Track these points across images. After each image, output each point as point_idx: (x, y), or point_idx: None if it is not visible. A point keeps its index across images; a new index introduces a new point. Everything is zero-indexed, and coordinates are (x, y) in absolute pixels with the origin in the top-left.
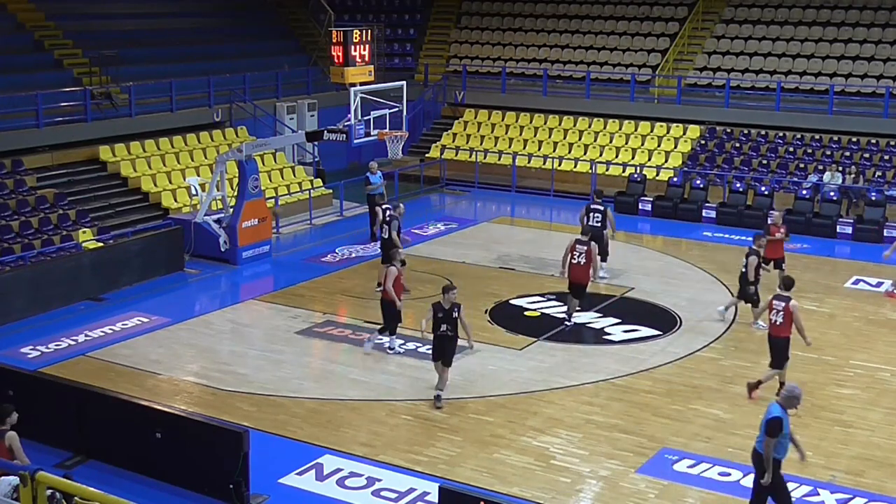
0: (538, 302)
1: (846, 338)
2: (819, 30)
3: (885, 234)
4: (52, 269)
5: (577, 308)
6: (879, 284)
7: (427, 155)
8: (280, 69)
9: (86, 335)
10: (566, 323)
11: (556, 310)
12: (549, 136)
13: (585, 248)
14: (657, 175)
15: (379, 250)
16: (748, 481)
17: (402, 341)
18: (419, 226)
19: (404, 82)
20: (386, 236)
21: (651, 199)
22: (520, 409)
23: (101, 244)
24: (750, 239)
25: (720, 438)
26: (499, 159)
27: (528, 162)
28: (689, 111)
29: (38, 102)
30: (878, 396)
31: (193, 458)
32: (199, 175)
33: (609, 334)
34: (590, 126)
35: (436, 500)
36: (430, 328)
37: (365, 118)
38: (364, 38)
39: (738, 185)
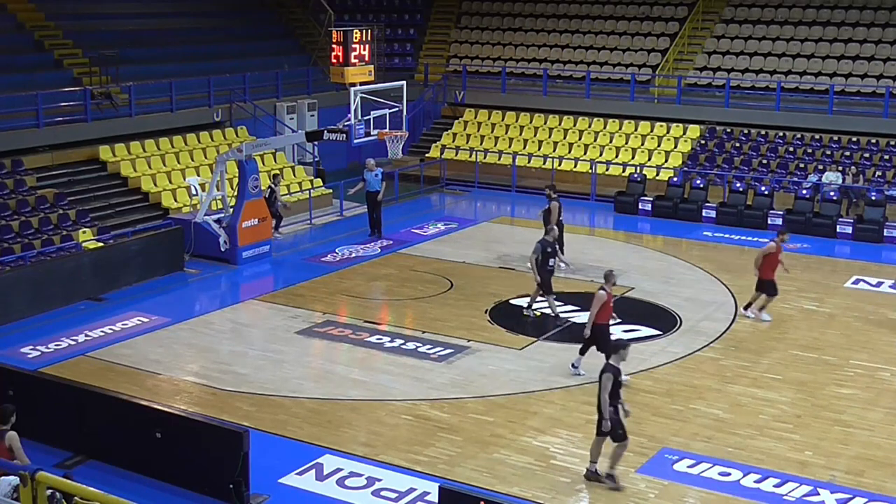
0: (538, 302)
1: (846, 338)
2: (819, 30)
3: (885, 234)
4: (52, 269)
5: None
6: (879, 284)
7: (427, 155)
8: (280, 69)
9: (86, 335)
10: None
11: (556, 309)
12: (549, 136)
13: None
14: (657, 175)
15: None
16: (748, 481)
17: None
18: (419, 226)
19: (404, 82)
20: (551, 265)
21: (651, 199)
22: (520, 409)
23: (101, 244)
24: (750, 238)
25: (720, 438)
26: (499, 159)
27: (528, 162)
28: (689, 111)
29: (38, 102)
30: (878, 396)
31: (193, 458)
32: (199, 175)
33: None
34: (590, 126)
35: (436, 500)
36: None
37: (365, 118)
38: (364, 38)
39: (738, 185)
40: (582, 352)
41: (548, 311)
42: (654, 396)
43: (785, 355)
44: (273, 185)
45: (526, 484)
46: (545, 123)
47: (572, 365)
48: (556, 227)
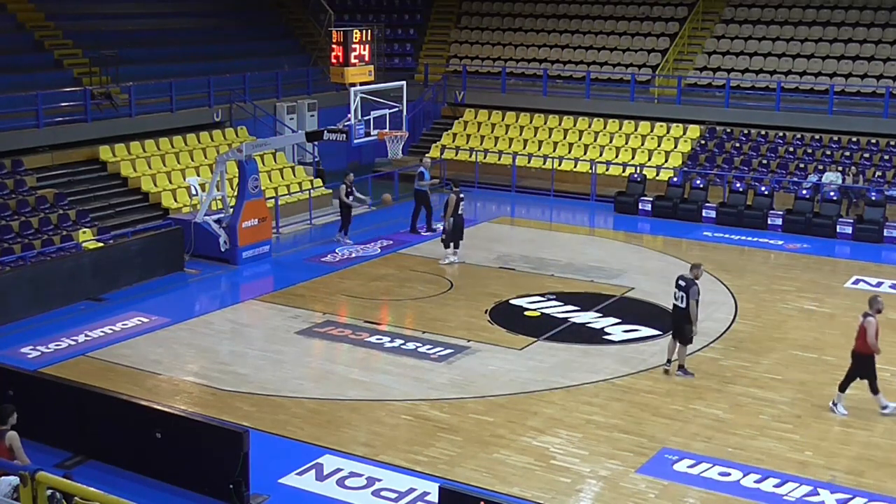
0: (538, 302)
1: (846, 338)
2: (819, 30)
3: (885, 234)
4: (52, 269)
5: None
6: (879, 284)
7: (427, 155)
8: (280, 69)
9: (86, 335)
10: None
11: (556, 310)
12: (549, 136)
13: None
14: (657, 175)
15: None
16: (748, 481)
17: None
18: (419, 226)
19: (404, 82)
20: (683, 305)
21: (651, 199)
22: (520, 409)
23: (101, 244)
24: (750, 239)
25: (720, 438)
26: (499, 159)
27: (528, 162)
28: (689, 111)
29: (38, 102)
30: None
31: (193, 458)
32: (199, 175)
33: (609, 334)
34: (590, 126)
35: (436, 500)
36: None
37: (365, 118)
38: (364, 38)
39: (738, 185)
40: (842, 388)
41: (547, 310)
42: (654, 396)
43: (785, 355)
44: (347, 184)
45: (526, 484)
46: (545, 123)
47: (833, 403)
48: (452, 220)
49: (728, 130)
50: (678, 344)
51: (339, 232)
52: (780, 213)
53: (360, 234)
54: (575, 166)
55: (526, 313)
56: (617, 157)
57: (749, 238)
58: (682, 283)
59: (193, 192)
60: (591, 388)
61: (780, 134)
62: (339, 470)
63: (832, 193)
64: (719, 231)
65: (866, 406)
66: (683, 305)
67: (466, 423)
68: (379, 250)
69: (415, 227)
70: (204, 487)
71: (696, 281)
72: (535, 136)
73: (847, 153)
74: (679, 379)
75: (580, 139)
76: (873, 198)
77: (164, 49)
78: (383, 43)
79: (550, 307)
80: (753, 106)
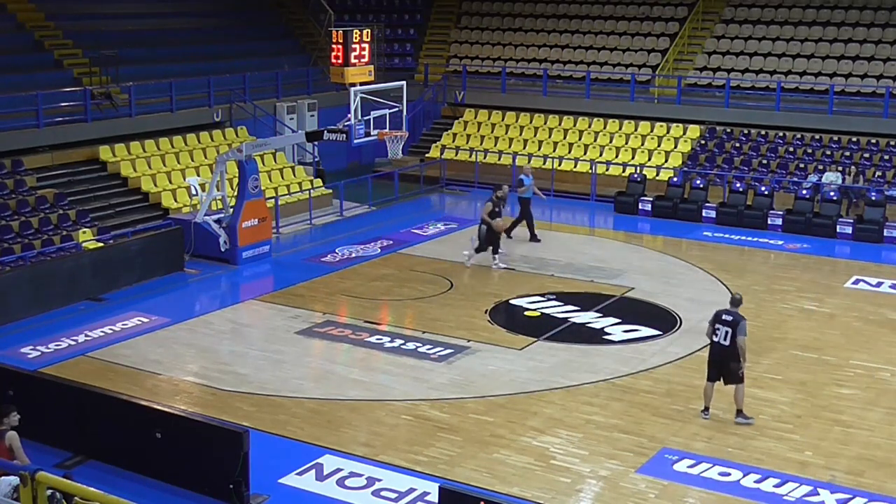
0: (538, 302)
1: (846, 338)
2: (819, 30)
3: (885, 234)
4: (52, 269)
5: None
6: (879, 284)
7: (427, 155)
8: (280, 69)
9: (86, 335)
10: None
11: (556, 310)
12: (549, 136)
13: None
14: (657, 175)
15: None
16: (748, 481)
17: None
18: (419, 226)
19: (404, 82)
20: (726, 343)
21: (651, 199)
22: (520, 409)
23: (101, 244)
24: (750, 239)
25: (720, 438)
26: (499, 159)
27: (528, 162)
28: (689, 111)
29: (38, 102)
30: (878, 396)
31: (193, 458)
32: (199, 175)
33: (609, 334)
34: (590, 126)
35: (436, 500)
36: None
37: (365, 118)
38: (364, 38)
39: (738, 185)
40: None
41: (547, 310)
42: (654, 396)
43: (785, 355)
44: (496, 199)
45: (526, 484)
46: (545, 123)
47: None
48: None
49: (728, 130)
50: (735, 385)
51: (493, 255)
52: (780, 213)
53: (359, 234)
54: (575, 166)
55: (526, 313)
56: (617, 157)
57: (749, 238)
58: (727, 317)
59: (193, 192)
60: (591, 388)
61: (780, 134)
62: (339, 470)
63: (832, 193)
64: (719, 231)
65: (866, 406)
66: (728, 343)
67: (466, 423)
68: (379, 250)
69: (534, 236)
70: (204, 487)
71: (737, 315)
72: (535, 136)
73: (847, 153)
74: (740, 422)
75: (580, 139)
76: (873, 198)
77: (164, 49)
78: (383, 43)
79: (550, 307)
80: (753, 106)
